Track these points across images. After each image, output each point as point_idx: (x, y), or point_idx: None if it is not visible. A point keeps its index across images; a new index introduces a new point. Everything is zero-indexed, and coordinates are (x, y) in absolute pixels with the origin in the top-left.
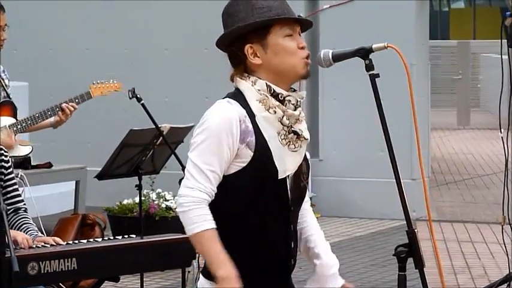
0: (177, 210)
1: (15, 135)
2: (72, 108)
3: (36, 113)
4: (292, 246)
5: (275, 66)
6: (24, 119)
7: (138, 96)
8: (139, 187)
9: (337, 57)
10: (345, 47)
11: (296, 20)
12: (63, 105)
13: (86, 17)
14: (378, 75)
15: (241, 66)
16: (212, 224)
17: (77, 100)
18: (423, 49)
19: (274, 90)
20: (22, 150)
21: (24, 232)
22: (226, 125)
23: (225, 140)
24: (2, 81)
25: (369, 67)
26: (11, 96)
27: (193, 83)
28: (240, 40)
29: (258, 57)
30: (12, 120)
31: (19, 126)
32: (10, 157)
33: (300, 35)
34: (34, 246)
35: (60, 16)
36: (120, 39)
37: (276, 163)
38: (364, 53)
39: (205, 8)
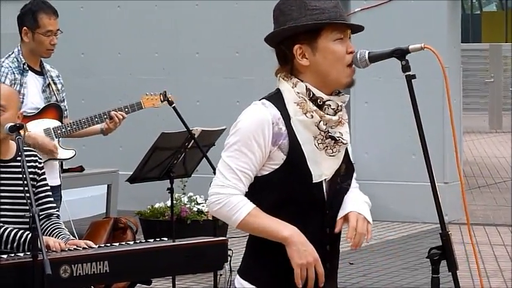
0: (210, 210)
1: (58, 138)
2: (120, 117)
3: (83, 118)
4: (328, 249)
5: (322, 69)
6: (70, 123)
7: (170, 99)
8: (170, 190)
9: (374, 58)
10: (375, 50)
11: (347, 24)
12: (112, 112)
13: (117, 21)
14: (414, 77)
15: (287, 65)
16: (252, 205)
17: (126, 109)
18: (455, 52)
19: (313, 94)
20: (65, 154)
21: (56, 237)
22: (258, 127)
23: (257, 141)
24: (54, 85)
25: (406, 68)
26: (65, 103)
27: (224, 87)
28: (289, 39)
29: (306, 58)
30: (57, 123)
31: (63, 130)
32: (57, 160)
33: (350, 38)
34: (66, 249)
35: (91, 20)
36: (151, 43)
37: (311, 167)
38: (400, 53)
39: (237, 11)
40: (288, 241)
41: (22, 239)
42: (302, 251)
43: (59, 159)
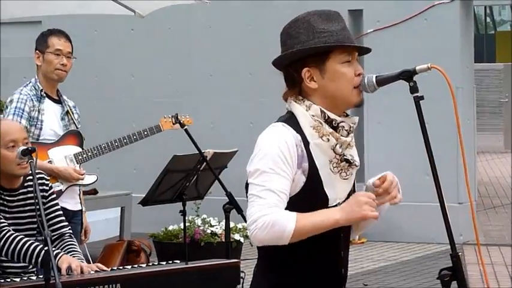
0: (257, 239)
1: (79, 164)
2: None
3: (103, 144)
4: (343, 272)
5: (330, 92)
6: (91, 149)
7: (182, 121)
8: (183, 213)
9: (381, 82)
10: (389, 71)
11: (355, 47)
12: None
13: (130, 43)
14: (422, 98)
15: (296, 88)
16: (293, 213)
17: (145, 132)
18: (468, 72)
19: (328, 116)
20: (87, 179)
21: None
22: (284, 148)
23: (285, 162)
24: (72, 114)
25: (413, 89)
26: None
27: (238, 109)
28: (298, 62)
29: (315, 81)
30: (78, 149)
31: (84, 156)
32: (78, 186)
33: (357, 60)
34: (88, 272)
35: (105, 43)
36: (164, 65)
37: (327, 191)
38: (407, 75)
39: (250, 33)
40: (341, 222)
41: (40, 258)
42: (354, 209)
43: (81, 184)
